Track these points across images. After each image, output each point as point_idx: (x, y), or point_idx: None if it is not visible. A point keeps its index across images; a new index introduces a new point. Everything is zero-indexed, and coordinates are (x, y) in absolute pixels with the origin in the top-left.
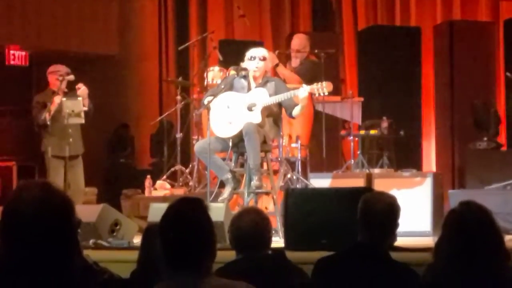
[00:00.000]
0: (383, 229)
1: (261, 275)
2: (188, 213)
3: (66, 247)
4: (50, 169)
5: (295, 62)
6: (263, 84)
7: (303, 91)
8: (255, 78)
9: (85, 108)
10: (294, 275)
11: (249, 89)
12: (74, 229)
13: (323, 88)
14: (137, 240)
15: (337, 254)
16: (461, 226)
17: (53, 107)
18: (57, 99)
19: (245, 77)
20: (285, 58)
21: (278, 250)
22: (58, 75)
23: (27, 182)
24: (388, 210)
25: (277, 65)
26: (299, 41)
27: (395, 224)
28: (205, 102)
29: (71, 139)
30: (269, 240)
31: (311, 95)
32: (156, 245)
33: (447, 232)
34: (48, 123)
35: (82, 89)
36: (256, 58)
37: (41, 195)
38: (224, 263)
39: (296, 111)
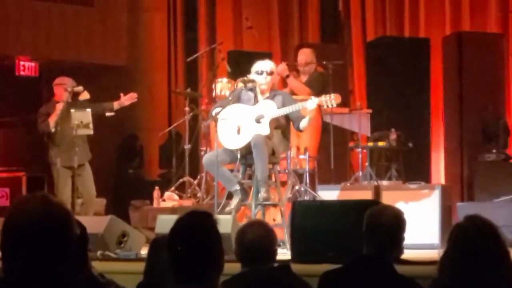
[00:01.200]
0: (388, 242)
1: None
2: (197, 227)
3: (66, 260)
4: (59, 180)
5: (303, 78)
6: (271, 98)
7: (311, 103)
8: (262, 92)
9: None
10: None
11: (256, 101)
12: (73, 242)
13: (331, 100)
14: (144, 251)
15: (342, 267)
16: (466, 240)
17: (55, 114)
18: (59, 106)
19: (252, 89)
20: (292, 72)
21: (283, 263)
22: (65, 87)
23: (25, 196)
24: (393, 223)
25: (287, 76)
26: (305, 57)
27: (400, 238)
28: (213, 113)
29: (77, 149)
30: (274, 253)
31: (319, 106)
32: (162, 258)
33: (452, 246)
34: (52, 130)
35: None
36: (264, 73)
37: (40, 209)
38: (230, 275)
39: (303, 123)
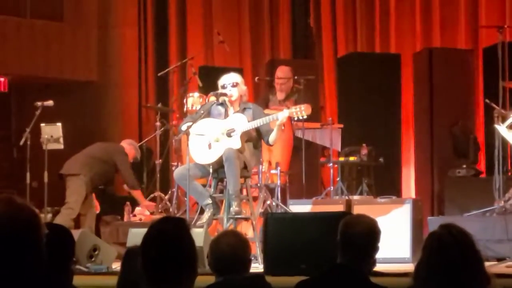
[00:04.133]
0: (363, 251)
1: None
2: (170, 232)
3: (36, 262)
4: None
5: (280, 95)
6: (241, 111)
7: (282, 114)
8: (231, 103)
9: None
10: None
11: (226, 115)
12: (41, 242)
13: (301, 111)
14: (116, 265)
15: (316, 277)
16: (441, 248)
17: None
18: None
19: (222, 104)
20: (265, 85)
21: (257, 273)
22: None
23: None
24: (368, 233)
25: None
26: (283, 74)
27: (375, 247)
28: (184, 128)
29: None
30: (248, 263)
31: (290, 121)
32: (136, 268)
33: (427, 254)
34: None
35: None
36: (227, 86)
37: (4, 210)
38: None
39: (272, 137)
